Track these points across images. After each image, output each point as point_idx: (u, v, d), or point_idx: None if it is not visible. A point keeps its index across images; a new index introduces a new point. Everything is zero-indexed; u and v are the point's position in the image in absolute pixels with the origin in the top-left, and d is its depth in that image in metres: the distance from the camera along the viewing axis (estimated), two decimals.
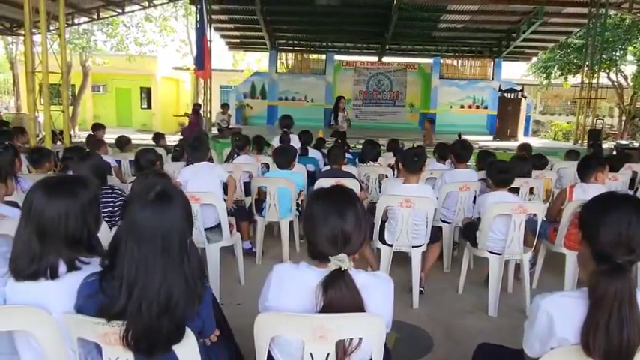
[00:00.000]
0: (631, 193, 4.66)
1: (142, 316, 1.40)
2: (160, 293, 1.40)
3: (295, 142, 6.17)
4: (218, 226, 3.74)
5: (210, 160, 4.71)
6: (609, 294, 1.28)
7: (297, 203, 4.50)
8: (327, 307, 1.44)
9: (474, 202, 4.49)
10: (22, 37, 13.54)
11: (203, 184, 3.79)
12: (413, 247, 3.58)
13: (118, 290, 1.41)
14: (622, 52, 18.25)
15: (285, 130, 6.18)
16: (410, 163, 3.55)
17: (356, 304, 1.44)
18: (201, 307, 1.51)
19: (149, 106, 23.27)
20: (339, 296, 1.43)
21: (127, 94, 23.23)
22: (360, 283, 1.48)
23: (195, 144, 4.17)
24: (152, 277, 1.41)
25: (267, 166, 5.68)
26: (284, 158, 4.43)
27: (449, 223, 4.36)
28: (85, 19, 14.03)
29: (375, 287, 1.52)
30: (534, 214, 3.48)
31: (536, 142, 11.71)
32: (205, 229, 3.65)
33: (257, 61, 26.40)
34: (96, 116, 21.46)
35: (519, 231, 3.40)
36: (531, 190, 4.72)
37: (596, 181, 3.67)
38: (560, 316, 1.36)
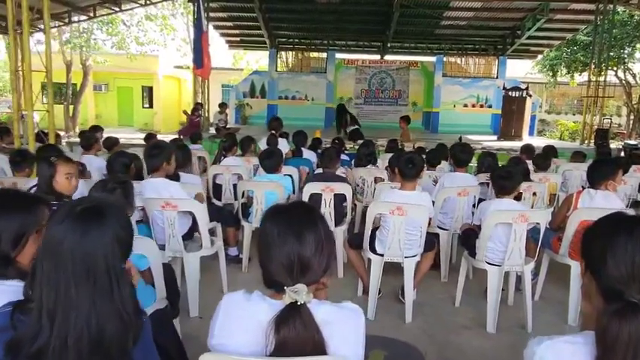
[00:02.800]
0: None
1: (69, 355, 1.15)
2: (91, 326, 1.16)
3: (284, 145, 5.92)
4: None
5: (185, 170, 4.28)
6: (622, 340, 1.02)
7: None
8: (280, 349, 1.19)
9: (474, 206, 4.25)
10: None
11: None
12: (405, 257, 3.33)
13: (37, 323, 1.17)
14: (630, 49, 17.86)
15: (272, 132, 5.92)
16: (404, 169, 3.30)
17: (315, 345, 1.20)
18: (137, 348, 1.26)
19: (151, 105, 23.10)
20: (293, 336, 1.18)
21: (128, 93, 23.06)
22: (322, 318, 1.23)
23: (153, 151, 3.34)
24: (76, 307, 1.17)
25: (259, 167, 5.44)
26: (270, 162, 4.19)
27: (446, 229, 4.11)
28: (83, 17, 13.84)
29: (341, 323, 1.27)
30: (537, 223, 3.22)
31: (542, 142, 11.39)
32: (184, 238, 3.42)
33: (257, 59, 26.18)
34: (97, 115, 21.33)
35: (520, 241, 3.13)
36: (534, 195, 4.47)
37: (606, 189, 3.38)
38: None
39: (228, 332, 1.28)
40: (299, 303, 1.20)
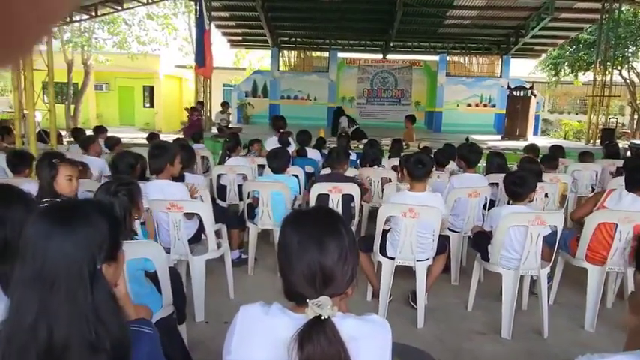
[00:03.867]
0: None
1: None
2: (38, 337, 1.05)
3: (291, 144, 5.84)
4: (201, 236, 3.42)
5: (190, 170, 4.18)
6: None
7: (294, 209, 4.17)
8: None
9: (485, 208, 4.16)
10: None
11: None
12: (417, 260, 3.23)
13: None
14: (635, 48, 17.74)
15: (281, 131, 5.83)
16: (414, 170, 3.20)
17: None
18: (136, 358, 1.16)
19: (152, 105, 23.01)
20: (318, 353, 1.09)
21: (129, 92, 22.98)
22: (347, 333, 1.13)
23: (155, 152, 3.30)
24: (27, 310, 1.06)
25: (263, 167, 5.35)
26: (278, 162, 4.10)
27: (457, 232, 4.02)
28: (84, 16, 13.75)
29: (368, 338, 1.18)
30: (554, 226, 3.12)
31: (546, 142, 11.30)
32: (190, 241, 3.33)
33: (259, 59, 26.08)
34: (98, 115, 21.25)
35: (537, 244, 3.04)
36: (546, 196, 4.37)
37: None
38: None
39: (246, 348, 1.19)
40: (323, 317, 1.11)
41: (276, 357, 1.13)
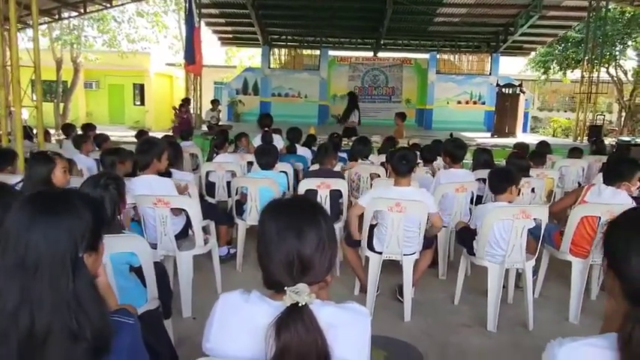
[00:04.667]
0: None
1: None
2: (19, 323, 1.04)
3: (278, 141, 5.83)
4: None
5: (177, 167, 4.17)
6: None
7: None
8: (281, 354, 1.11)
9: (472, 203, 4.20)
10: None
11: None
12: (404, 255, 3.25)
13: None
14: (622, 46, 17.93)
15: (266, 129, 5.82)
16: (398, 166, 3.22)
17: (318, 350, 1.11)
18: (122, 352, 1.16)
19: (142, 103, 22.87)
20: (295, 340, 1.09)
21: (119, 90, 22.81)
22: (325, 321, 1.14)
23: (143, 147, 3.32)
24: (7, 299, 1.06)
25: (252, 164, 5.35)
26: (266, 158, 4.11)
27: (444, 226, 4.04)
28: (73, 13, 13.63)
29: (346, 326, 1.18)
30: (539, 219, 3.16)
31: (535, 139, 11.40)
32: (178, 237, 3.32)
33: (250, 56, 26.01)
34: (88, 113, 21.09)
35: (522, 237, 3.07)
36: (532, 190, 4.41)
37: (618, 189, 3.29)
38: None
39: (225, 336, 1.20)
40: (300, 304, 1.12)
41: (255, 344, 1.14)
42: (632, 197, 3.27)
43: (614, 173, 3.32)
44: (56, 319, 1.06)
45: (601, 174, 3.99)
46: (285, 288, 1.14)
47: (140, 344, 1.27)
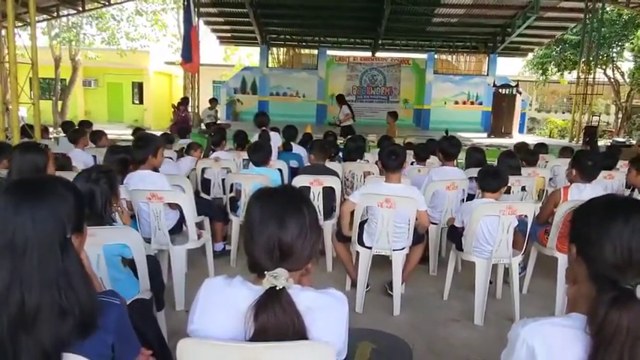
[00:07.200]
0: (627, 193, 4.38)
1: None
2: (10, 302, 1.09)
3: (276, 139, 5.88)
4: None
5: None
6: (621, 330, 0.97)
7: None
8: (259, 335, 1.17)
9: (463, 201, 4.25)
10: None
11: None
12: (394, 250, 3.31)
13: None
14: (619, 48, 18.02)
15: (263, 128, 5.87)
16: (387, 161, 3.28)
17: (295, 331, 1.17)
18: (109, 331, 1.21)
19: (141, 102, 22.90)
20: (272, 322, 1.15)
21: (118, 88, 22.83)
22: (304, 304, 1.20)
23: (138, 143, 3.34)
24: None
25: (249, 162, 5.40)
26: (258, 155, 4.16)
27: (435, 223, 4.10)
28: (71, 11, 13.66)
29: (324, 310, 1.24)
30: (525, 215, 3.22)
31: (531, 140, 11.44)
32: (172, 232, 3.37)
33: (248, 55, 26.05)
34: (87, 111, 21.09)
35: (508, 233, 3.13)
36: (523, 189, 4.47)
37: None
38: (545, 353, 1.05)
39: (208, 318, 1.25)
40: (278, 288, 1.17)
41: (235, 327, 1.20)
42: (627, 185, 3.35)
43: (587, 172, 3.40)
44: (45, 297, 1.11)
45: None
46: (265, 272, 1.20)
47: (127, 324, 1.32)
